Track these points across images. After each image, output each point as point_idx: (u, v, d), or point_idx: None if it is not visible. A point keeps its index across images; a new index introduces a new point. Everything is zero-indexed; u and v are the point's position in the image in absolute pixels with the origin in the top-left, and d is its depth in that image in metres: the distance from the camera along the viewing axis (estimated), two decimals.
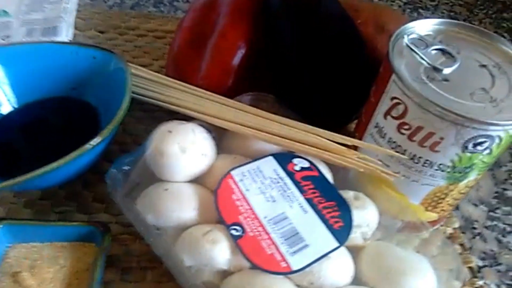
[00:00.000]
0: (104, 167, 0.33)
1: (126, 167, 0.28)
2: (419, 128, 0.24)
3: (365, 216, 0.27)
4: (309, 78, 0.33)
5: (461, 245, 0.32)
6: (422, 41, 0.27)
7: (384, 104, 0.26)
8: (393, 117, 0.26)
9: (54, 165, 0.25)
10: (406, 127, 0.25)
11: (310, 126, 0.29)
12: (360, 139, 0.30)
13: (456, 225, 0.34)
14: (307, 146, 0.26)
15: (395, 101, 0.25)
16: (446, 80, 0.25)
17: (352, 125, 0.37)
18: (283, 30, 0.33)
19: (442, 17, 0.58)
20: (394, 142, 0.26)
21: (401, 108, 0.25)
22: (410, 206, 0.29)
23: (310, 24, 0.33)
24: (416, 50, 0.26)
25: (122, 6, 0.52)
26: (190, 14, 0.37)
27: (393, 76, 0.25)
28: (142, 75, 0.36)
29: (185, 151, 0.27)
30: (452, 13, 0.58)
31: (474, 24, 0.60)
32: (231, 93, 0.35)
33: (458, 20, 0.58)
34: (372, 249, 0.26)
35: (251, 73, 0.36)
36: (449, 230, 0.34)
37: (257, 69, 0.37)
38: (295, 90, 0.34)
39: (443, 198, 0.28)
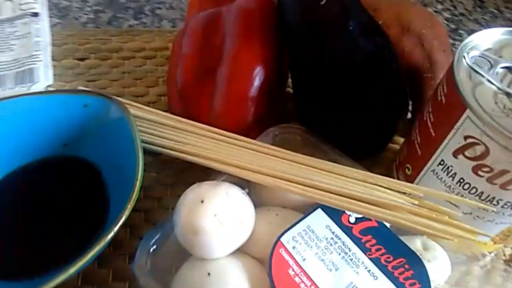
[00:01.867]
0: (118, 235, 0.28)
1: (153, 247, 0.24)
2: (504, 172, 0.21)
3: (439, 268, 0.24)
4: (339, 103, 0.29)
5: None
6: (485, 59, 0.23)
7: (454, 141, 0.22)
8: (467, 157, 0.22)
9: (73, 269, 0.20)
10: (485, 169, 0.21)
11: (356, 170, 0.25)
12: (416, 174, 0.26)
13: None
14: (362, 204, 0.22)
15: (470, 140, 0.21)
16: None
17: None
18: (307, 53, 0.28)
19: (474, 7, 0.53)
20: (468, 183, 0.23)
21: (479, 149, 0.21)
22: (478, 244, 0.26)
23: (337, 42, 0.28)
24: (482, 72, 0.22)
25: (97, 22, 0.45)
26: (188, 38, 0.32)
27: (468, 112, 0.21)
28: (145, 117, 0.30)
29: (223, 223, 0.23)
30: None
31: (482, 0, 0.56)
32: (253, 126, 0.30)
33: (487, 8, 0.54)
34: None
35: (274, 99, 0.31)
36: (508, 251, 0.31)
37: (279, 95, 0.33)
38: (325, 118, 0.30)
39: None
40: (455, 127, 0.22)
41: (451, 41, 0.48)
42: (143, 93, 0.38)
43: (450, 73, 0.23)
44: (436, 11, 0.52)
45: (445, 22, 0.50)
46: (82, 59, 0.40)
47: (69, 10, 0.47)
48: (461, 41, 0.53)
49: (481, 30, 0.29)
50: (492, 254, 0.29)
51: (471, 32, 0.52)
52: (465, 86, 0.22)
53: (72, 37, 0.42)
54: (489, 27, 0.29)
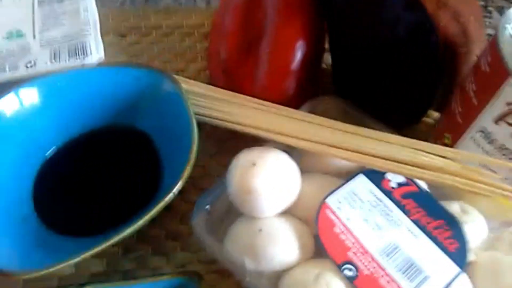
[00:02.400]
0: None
1: (207, 206, 0.26)
2: None
3: (476, 231, 0.25)
4: (379, 76, 0.30)
5: None
6: None
7: (496, 108, 0.23)
8: (508, 123, 0.23)
9: (135, 226, 0.22)
10: None
11: (400, 137, 0.26)
12: (455, 142, 0.27)
13: None
14: (408, 167, 0.24)
15: None
16: None
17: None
18: (348, 26, 0.29)
19: None
20: (507, 149, 0.24)
21: None
22: None
23: (379, 14, 0.29)
24: None
25: (135, 2, 0.47)
26: (230, 15, 0.33)
27: (511, 79, 0.22)
28: (191, 90, 0.32)
29: (273, 184, 0.24)
30: None
31: None
32: (294, 99, 0.31)
33: None
34: (486, 266, 0.25)
35: (313, 74, 0.32)
36: None
37: (318, 68, 0.34)
38: (363, 89, 0.31)
39: None
40: (497, 93, 0.23)
41: None
42: (183, 68, 0.39)
43: (494, 43, 0.23)
44: None
45: None
46: (123, 35, 0.42)
47: None
48: (490, 17, 0.53)
49: (510, 6, 0.29)
50: None
51: (499, 9, 0.52)
52: (509, 54, 0.22)
53: (112, 15, 0.44)
54: None
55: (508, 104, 0.22)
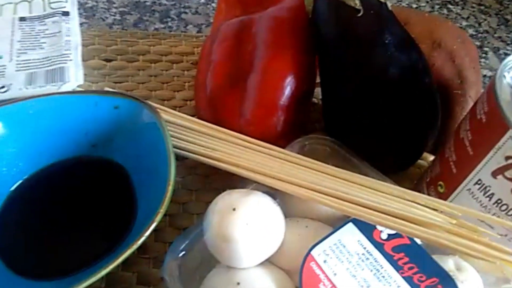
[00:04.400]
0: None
1: (181, 253, 0.23)
2: None
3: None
4: (370, 116, 0.29)
5: None
6: None
7: (494, 161, 0.22)
8: (507, 178, 0.21)
9: (102, 272, 0.20)
10: None
11: (391, 185, 0.24)
12: (450, 193, 0.25)
13: None
14: (398, 221, 0.22)
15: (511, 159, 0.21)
16: None
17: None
18: (340, 64, 0.28)
19: (473, 12, 0.53)
20: (505, 204, 0.22)
21: None
22: (510, 265, 0.25)
23: (373, 55, 0.28)
24: None
25: (123, 24, 0.46)
26: (219, 45, 0.32)
27: (510, 132, 0.20)
28: (173, 121, 0.30)
29: (254, 232, 0.22)
30: (482, 7, 0.54)
31: (506, 17, 0.56)
32: (281, 136, 0.30)
33: (490, 14, 0.54)
34: None
35: (302, 110, 0.31)
36: None
37: (309, 103, 0.32)
38: (354, 130, 0.30)
39: None
40: (496, 146, 0.21)
41: None
42: (169, 97, 0.38)
43: (491, 91, 0.22)
44: (460, 27, 0.51)
45: (470, 39, 0.50)
46: (108, 60, 0.40)
47: (95, 11, 0.47)
48: (485, 58, 0.53)
49: (505, 48, 0.28)
50: None
51: (495, 49, 0.52)
52: (508, 105, 0.21)
53: (99, 38, 0.42)
54: None
55: (507, 158, 0.21)
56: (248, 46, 0.31)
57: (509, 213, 0.22)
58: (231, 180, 0.27)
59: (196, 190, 0.32)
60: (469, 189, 0.24)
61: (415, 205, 0.22)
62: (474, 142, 0.23)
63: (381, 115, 0.28)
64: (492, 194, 0.23)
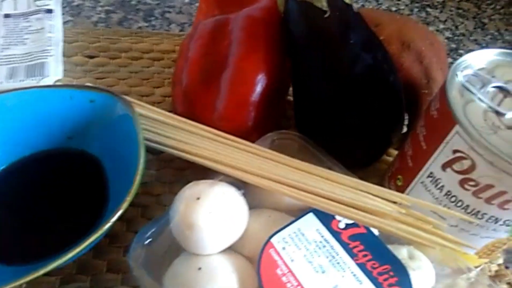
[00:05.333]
0: (115, 228, 0.29)
1: (148, 240, 0.25)
2: (489, 186, 0.22)
3: (423, 278, 0.24)
4: (337, 113, 0.30)
5: (509, 283, 0.31)
6: (478, 78, 0.24)
7: (443, 155, 0.23)
8: (455, 170, 0.23)
9: (69, 255, 0.21)
10: (471, 183, 0.22)
11: (348, 177, 0.26)
12: (406, 185, 0.27)
13: (500, 260, 0.32)
14: (352, 210, 0.23)
15: (458, 154, 0.22)
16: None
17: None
18: (309, 63, 0.29)
19: (451, 16, 0.55)
20: (454, 196, 0.23)
21: (466, 163, 0.22)
22: (463, 256, 0.27)
23: (338, 54, 0.29)
24: (474, 90, 0.23)
25: (108, 22, 0.47)
26: (196, 42, 0.33)
27: (457, 127, 0.22)
28: (149, 115, 0.31)
29: (217, 220, 0.23)
30: (460, 10, 0.55)
31: (483, 21, 0.57)
32: (253, 131, 0.31)
33: (468, 18, 0.55)
34: None
35: (275, 106, 0.32)
36: (494, 267, 0.31)
37: (279, 102, 0.34)
38: (322, 126, 0.31)
39: (500, 247, 0.26)
40: (445, 141, 0.23)
41: (450, 60, 0.49)
42: (148, 93, 0.39)
43: (443, 89, 0.23)
44: (437, 30, 0.53)
45: (446, 41, 0.51)
46: (91, 57, 0.41)
47: (81, 9, 0.48)
48: None
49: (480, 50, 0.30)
50: (478, 269, 0.29)
51: (470, 52, 0.53)
52: (457, 102, 0.23)
53: (83, 35, 0.43)
54: (489, 48, 0.30)
55: (455, 151, 0.22)
56: (223, 44, 0.32)
57: (458, 204, 0.23)
58: (204, 173, 0.28)
59: (170, 183, 0.33)
60: (423, 182, 0.25)
61: (369, 195, 0.24)
62: (427, 137, 0.24)
63: (346, 112, 0.29)
64: (443, 186, 0.24)
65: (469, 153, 0.21)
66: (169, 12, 0.49)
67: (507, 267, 0.32)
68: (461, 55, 0.54)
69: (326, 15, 0.29)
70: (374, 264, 0.24)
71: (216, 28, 0.33)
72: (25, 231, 0.27)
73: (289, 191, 0.25)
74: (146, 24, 0.47)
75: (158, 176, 0.33)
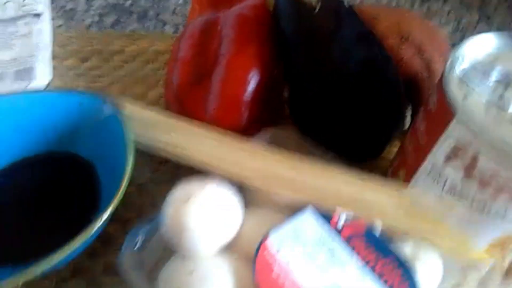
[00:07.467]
0: (111, 230, 0.28)
1: (139, 243, 0.24)
2: (493, 177, 0.20)
3: (429, 275, 0.23)
4: (331, 109, 0.29)
5: None
6: (477, 71, 0.23)
7: (444, 149, 0.22)
8: (457, 164, 0.21)
9: (58, 256, 0.20)
10: (474, 177, 0.21)
11: (347, 172, 0.25)
12: (408, 180, 0.25)
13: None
14: (352, 205, 0.22)
15: (459, 148, 0.21)
16: None
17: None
18: (301, 58, 0.28)
19: (453, 7, 0.54)
20: (455, 190, 0.22)
21: (468, 157, 0.21)
22: (473, 253, 0.25)
23: (329, 50, 0.28)
24: (472, 83, 0.22)
25: (101, 25, 0.46)
26: (186, 42, 0.32)
27: (456, 121, 0.21)
28: (143, 116, 0.30)
29: (210, 221, 0.23)
30: (463, 3, 0.54)
31: (487, 14, 0.56)
32: (246, 130, 0.30)
33: (472, 10, 0.54)
34: None
35: (269, 104, 0.31)
36: (505, 264, 0.30)
37: (274, 99, 0.33)
38: (317, 122, 0.30)
39: (511, 244, 0.25)
40: (445, 134, 0.21)
41: None
42: (142, 94, 0.38)
43: (441, 82, 0.22)
44: (441, 23, 0.52)
45: (450, 34, 0.50)
46: (84, 60, 0.41)
47: (74, 13, 0.48)
48: None
49: None
50: (488, 266, 0.28)
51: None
52: (455, 95, 0.21)
53: (76, 39, 0.43)
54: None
55: (455, 145, 0.21)
56: (214, 43, 0.31)
57: (462, 198, 0.22)
58: (200, 173, 0.27)
59: (166, 183, 0.32)
60: (423, 177, 0.24)
61: (371, 192, 0.22)
62: (426, 131, 0.23)
63: (342, 108, 0.28)
64: (443, 181, 0.23)
65: (469, 147, 0.20)
66: (164, 13, 0.48)
67: None
68: None
69: (316, 11, 0.28)
70: (377, 261, 0.23)
71: (206, 26, 0.32)
72: (16, 234, 0.27)
73: (286, 188, 0.24)
74: (140, 27, 0.46)
75: (153, 177, 0.32)
